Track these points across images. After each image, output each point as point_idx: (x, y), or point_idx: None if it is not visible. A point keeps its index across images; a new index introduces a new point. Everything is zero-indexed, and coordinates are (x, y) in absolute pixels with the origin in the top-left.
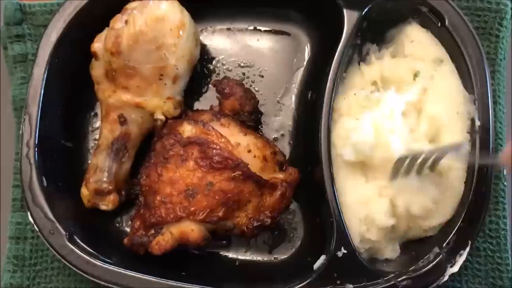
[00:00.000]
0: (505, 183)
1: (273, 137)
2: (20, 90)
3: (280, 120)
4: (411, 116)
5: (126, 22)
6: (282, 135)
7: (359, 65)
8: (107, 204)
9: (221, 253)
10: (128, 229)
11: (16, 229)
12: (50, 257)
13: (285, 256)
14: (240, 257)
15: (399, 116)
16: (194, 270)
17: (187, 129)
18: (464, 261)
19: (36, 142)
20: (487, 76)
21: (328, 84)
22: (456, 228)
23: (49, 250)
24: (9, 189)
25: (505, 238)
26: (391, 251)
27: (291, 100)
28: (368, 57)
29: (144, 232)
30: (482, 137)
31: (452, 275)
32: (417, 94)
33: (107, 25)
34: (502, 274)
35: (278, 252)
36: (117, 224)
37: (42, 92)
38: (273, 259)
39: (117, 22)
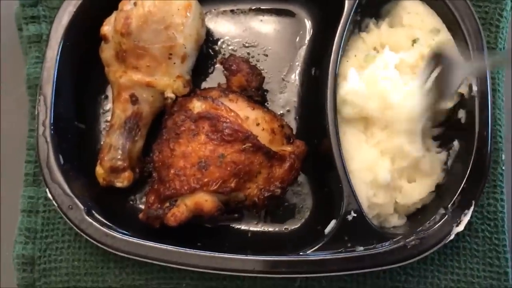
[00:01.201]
0: (503, 167)
1: (279, 113)
2: (34, 69)
3: (286, 96)
4: (406, 72)
5: (135, 4)
6: (288, 111)
7: (359, 35)
8: (122, 181)
9: (233, 226)
10: (142, 207)
11: (28, 202)
12: (61, 230)
13: (296, 226)
14: (252, 228)
15: (392, 68)
16: (208, 242)
17: (197, 105)
18: (463, 241)
19: (52, 121)
20: (484, 45)
21: (332, 57)
22: (460, 189)
23: (59, 224)
24: (22, 164)
25: (503, 220)
26: (398, 219)
27: (296, 77)
28: (368, 29)
29: (159, 205)
30: (481, 101)
31: (452, 254)
32: (414, 58)
33: (115, 9)
34: (499, 255)
35: (288, 223)
36: (131, 202)
37: (56, 74)
38: (284, 229)
39: (126, 4)
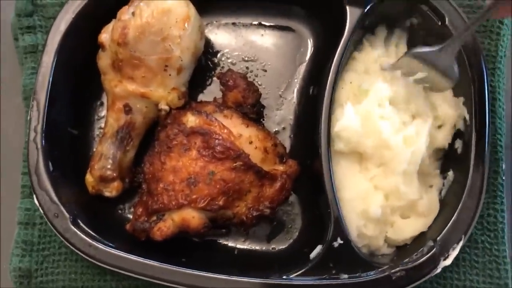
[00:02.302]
0: (503, 178)
1: (274, 130)
2: (30, 80)
3: (282, 113)
4: (402, 109)
5: (133, 13)
6: (284, 128)
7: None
8: (111, 190)
9: (220, 241)
10: (130, 216)
11: (25, 215)
12: (58, 243)
13: (283, 247)
14: (239, 246)
15: (387, 104)
16: (194, 257)
17: (191, 120)
18: (462, 253)
19: (44, 128)
20: (485, 71)
21: (329, 78)
22: (450, 223)
23: (56, 236)
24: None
25: (503, 231)
26: (387, 248)
27: (293, 95)
28: (362, 47)
29: (146, 219)
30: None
31: (451, 266)
32: (407, 89)
33: (114, 17)
34: (499, 266)
35: (276, 242)
36: (119, 211)
37: (51, 79)
38: (271, 249)
39: (124, 13)
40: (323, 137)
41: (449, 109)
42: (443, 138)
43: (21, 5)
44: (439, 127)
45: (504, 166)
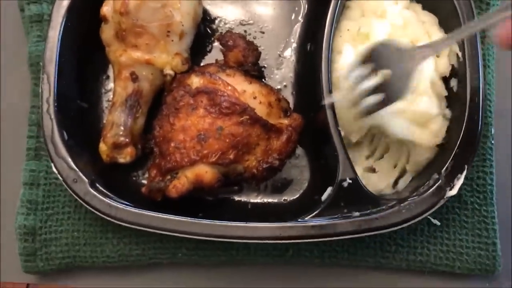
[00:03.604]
0: (492, 141)
1: (276, 88)
2: (36, 47)
3: (282, 72)
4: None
5: None
6: (285, 86)
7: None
8: (125, 156)
9: (233, 198)
10: (144, 182)
11: (30, 176)
12: (61, 202)
13: (294, 197)
14: (252, 200)
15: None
16: (209, 213)
17: (195, 81)
18: (452, 213)
19: (55, 99)
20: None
21: (326, 30)
22: (452, 154)
23: (60, 196)
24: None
25: (492, 193)
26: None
27: (292, 53)
28: None
29: (161, 178)
30: (472, 69)
31: (441, 226)
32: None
33: None
34: (487, 226)
35: (287, 194)
36: (134, 178)
37: (58, 53)
38: (282, 200)
39: None
40: (325, 82)
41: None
42: (444, 66)
43: None
44: (437, 56)
45: (493, 131)
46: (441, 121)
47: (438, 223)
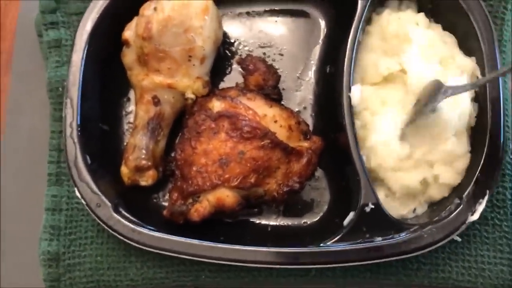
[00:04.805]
0: (511, 156)
1: (296, 110)
2: (55, 72)
3: (301, 94)
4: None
5: (155, 9)
6: (304, 108)
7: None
8: (146, 179)
9: (253, 220)
10: (165, 204)
11: (52, 201)
12: (84, 227)
13: (314, 220)
14: (271, 223)
15: None
16: (229, 236)
17: (216, 105)
18: (473, 229)
19: (79, 123)
20: (494, 36)
21: (347, 54)
22: (474, 178)
23: (82, 221)
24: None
25: None
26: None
27: (311, 75)
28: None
29: (182, 202)
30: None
31: (462, 242)
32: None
33: (136, 15)
34: (509, 242)
35: (307, 217)
36: (154, 200)
37: (81, 77)
38: (302, 223)
39: (147, 9)
40: (346, 107)
41: (465, 59)
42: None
43: (45, 3)
44: None
45: (511, 146)
46: (467, 159)
47: (459, 239)
